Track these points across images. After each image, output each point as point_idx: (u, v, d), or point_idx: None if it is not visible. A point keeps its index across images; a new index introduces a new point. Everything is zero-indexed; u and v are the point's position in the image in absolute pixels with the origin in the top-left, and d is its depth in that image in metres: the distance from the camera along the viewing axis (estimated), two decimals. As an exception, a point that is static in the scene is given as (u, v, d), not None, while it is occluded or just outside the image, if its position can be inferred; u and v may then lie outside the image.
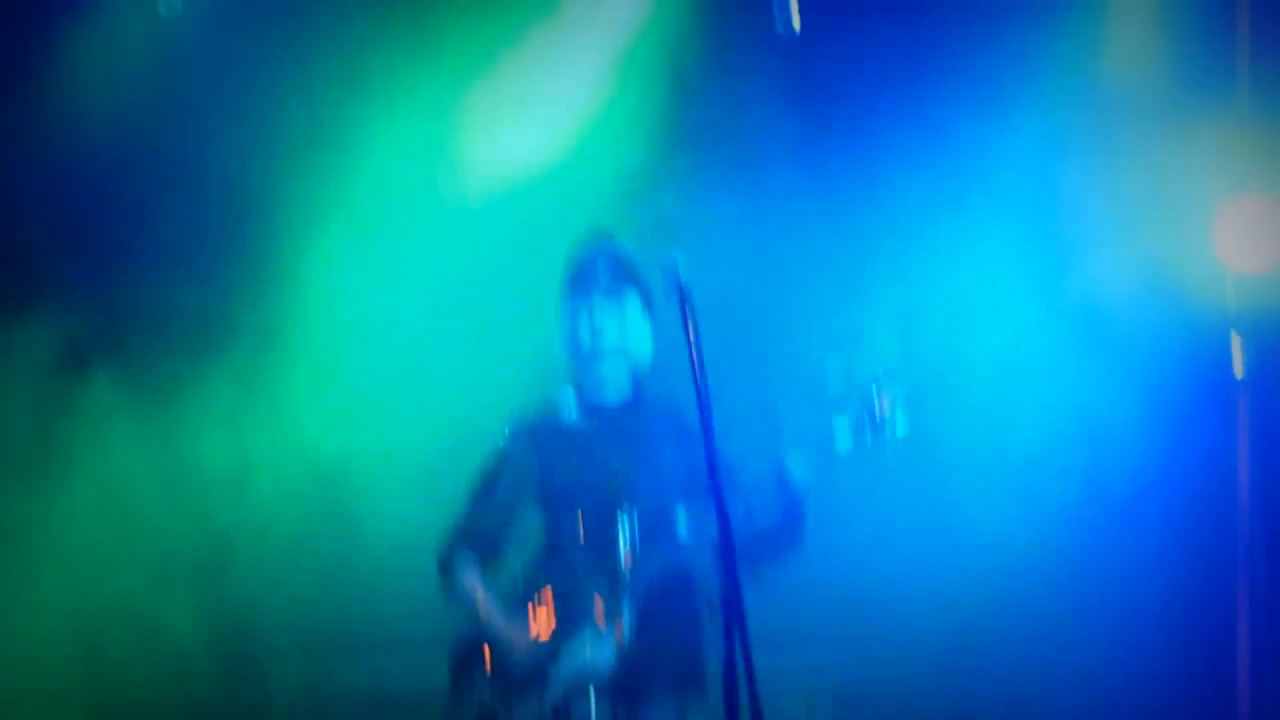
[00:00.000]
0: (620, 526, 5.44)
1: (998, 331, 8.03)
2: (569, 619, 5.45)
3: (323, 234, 8.41)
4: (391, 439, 8.21)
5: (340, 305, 8.44)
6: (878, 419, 5.22)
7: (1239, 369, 7.87)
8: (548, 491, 5.63)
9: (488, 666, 5.52)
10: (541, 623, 5.48)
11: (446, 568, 5.71)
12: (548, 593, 5.51)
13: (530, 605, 5.53)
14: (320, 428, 8.21)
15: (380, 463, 8.19)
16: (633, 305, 5.58)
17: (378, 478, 8.18)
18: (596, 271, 5.58)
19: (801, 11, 9.03)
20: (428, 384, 8.22)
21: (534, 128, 8.61)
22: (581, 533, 5.53)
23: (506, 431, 5.77)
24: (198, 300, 8.41)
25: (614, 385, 5.66)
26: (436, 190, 8.86)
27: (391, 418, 8.24)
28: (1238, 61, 8.15)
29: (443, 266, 8.54)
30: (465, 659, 5.58)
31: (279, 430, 8.19)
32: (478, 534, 5.71)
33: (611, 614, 5.39)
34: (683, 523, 5.43)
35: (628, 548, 5.43)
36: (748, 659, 4.09)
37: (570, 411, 5.69)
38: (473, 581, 5.64)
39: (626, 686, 5.40)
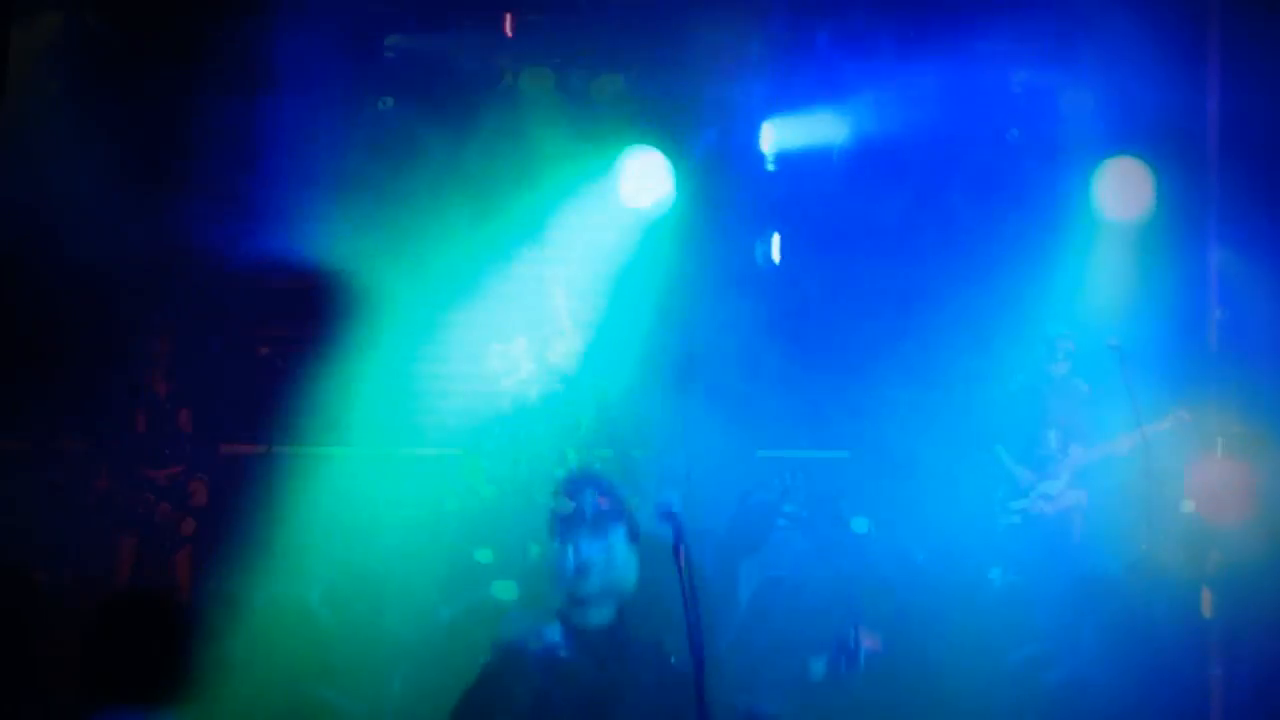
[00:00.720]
0: (600, 758, 5.41)
1: (984, 560, 8.08)
2: None
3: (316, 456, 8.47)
4: (371, 657, 8.16)
5: (323, 511, 8.46)
6: (853, 651, 5.27)
7: (1207, 610, 7.94)
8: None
9: None
10: None
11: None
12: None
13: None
14: (299, 631, 8.16)
15: (362, 676, 8.12)
16: (618, 541, 5.60)
17: (360, 689, 8.11)
18: (583, 509, 5.60)
19: (784, 244, 9.22)
20: (412, 603, 8.20)
21: (517, 354, 8.70)
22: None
23: (492, 658, 5.76)
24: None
25: (598, 614, 5.67)
26: (418, 409, 8.97)
27: (372, 634, 8.19)
28: (1212, 324, 8.41)
29: (425, 485, 8.57)
30: None
31: (267, 623, 8.14)
32: (461, 761, 5.66)
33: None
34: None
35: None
36: None
37: (555, 639, 5.68)
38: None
39: None
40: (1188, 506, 8.13)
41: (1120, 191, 8.73)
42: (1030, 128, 9.15)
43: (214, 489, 8.35)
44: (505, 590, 6.73)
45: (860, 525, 6.75)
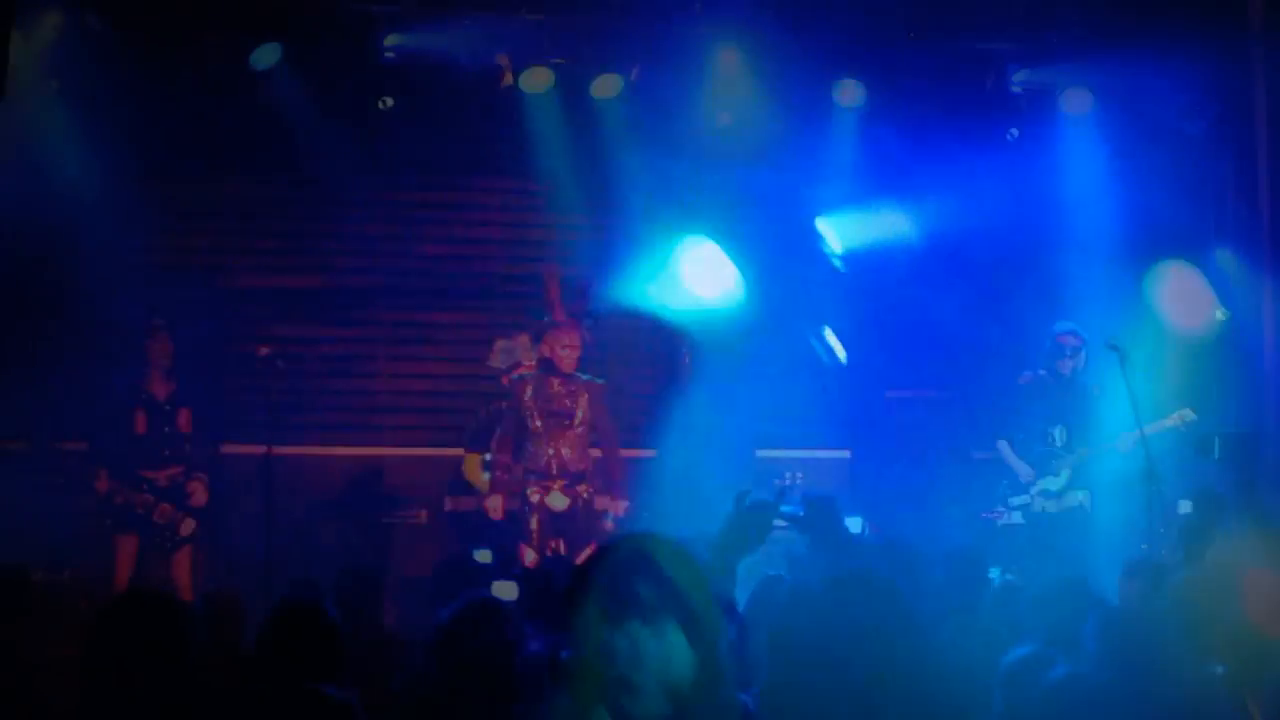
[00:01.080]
0: None
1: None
2: None
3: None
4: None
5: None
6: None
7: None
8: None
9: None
10: None
11: None
12: None
13: None
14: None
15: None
16: (674, 631, 5.37)
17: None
18: (637, 594, 5.38)
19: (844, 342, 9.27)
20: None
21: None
22: None
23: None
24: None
25: (650, 707, 5.51)
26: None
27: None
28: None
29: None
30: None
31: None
32: None
33: None
34: None
35: None
36: None
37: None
38: None
39: None
40: (1185, 507, 8.11)
41: (1179, 301, 8.91)
42: (1091, 215, 9.24)
43: (214, 489, 8.34)
44: (505, 590, 6.71)
45: (855, 525, 6.73)
